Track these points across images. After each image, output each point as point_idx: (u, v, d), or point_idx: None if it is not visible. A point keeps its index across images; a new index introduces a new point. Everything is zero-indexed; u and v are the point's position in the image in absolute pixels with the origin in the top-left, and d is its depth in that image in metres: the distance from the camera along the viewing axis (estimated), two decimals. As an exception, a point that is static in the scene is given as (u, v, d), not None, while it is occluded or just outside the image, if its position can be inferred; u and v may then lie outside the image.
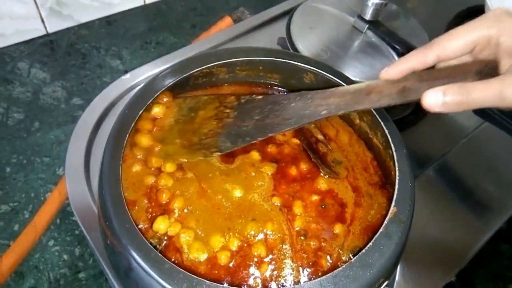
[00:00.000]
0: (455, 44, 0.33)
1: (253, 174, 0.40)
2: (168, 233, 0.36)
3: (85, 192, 0.47)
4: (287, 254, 0.36)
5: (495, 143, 0.60)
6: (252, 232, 0.37)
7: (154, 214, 0.37)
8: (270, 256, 0.36)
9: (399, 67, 0.35)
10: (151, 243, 0.32)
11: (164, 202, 0.38)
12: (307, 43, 0.60)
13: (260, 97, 0.42)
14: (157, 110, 0.43)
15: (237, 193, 0.39)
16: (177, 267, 0.31)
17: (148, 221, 0.36)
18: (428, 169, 0.55)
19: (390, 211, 0.35)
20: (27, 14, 0.66)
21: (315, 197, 0.40)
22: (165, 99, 0.44)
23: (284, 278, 0.35)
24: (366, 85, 0.37)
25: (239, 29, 0.67)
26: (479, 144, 0.59)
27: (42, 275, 0.48)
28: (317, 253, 0.36)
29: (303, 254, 0.36)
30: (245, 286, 0.34)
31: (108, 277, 0.42)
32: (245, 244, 0.36)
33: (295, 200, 0.39)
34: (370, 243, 0.33)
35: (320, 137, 0.45)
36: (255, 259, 0.36)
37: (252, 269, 0.35)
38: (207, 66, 0.44)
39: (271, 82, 0.49)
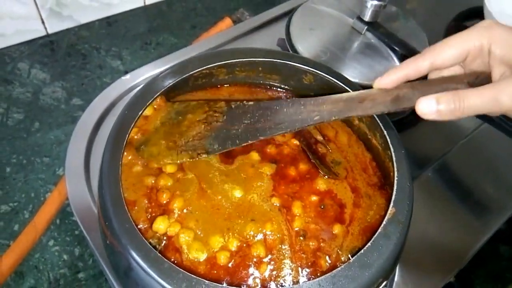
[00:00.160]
0: (448, 53, 0.34)
1: (253, 174, 0.40)
2: (168, 233, 0.36)
3: (85, 192, 0.47)
4: (286, 255, 0.36)
5: (494, 144, 0.60)
6: (252, 233, 0.37)
7: (153, 214, 0.37)
8: (269, 256, 0.36)
9: (393, 76, 0.35)
10: (150, 243, 0.33)
11: (164, 202, 0.38)
12: (307, 44, 0.60)
13: (251, 103, 0.41)
14: (146, 112, 0.42)
15: (237, 193, 0.39)
16: (176, 267, 0.31)
17: (148, 221, 0.37)
18: (427, 170, 0.55)
19: (389, 211, 0.35)
20: (27, 14, 0.66)
21: (314, 198, 0.40)
22: (157, 100, 0.43)
23: (283, 278, 0.35)
24: (359, 93, 0.38)
25: (239, 30, 0.67)
26: (478, 145, 0.59)
27: (42, 275, 0.48)
28: (316, 254, 0.36)
29: (302, 255, 0.36)
30: (244, 286, 0.34)
31: (107, 277, 0.42)
32: (245, 245, 0.36)
33: (294, 200, 0.39)
34: (369, 244, 0.33)
35: (319, 138, 0.45)
36: (254, 259, 0.36)
37: (251, 269, 0.35)
38: (207, 67, 0.44)
39: (271, 83, 0.49)
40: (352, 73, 0.57)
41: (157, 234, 0.36)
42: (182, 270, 0.31)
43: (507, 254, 0.69)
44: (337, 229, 0.38)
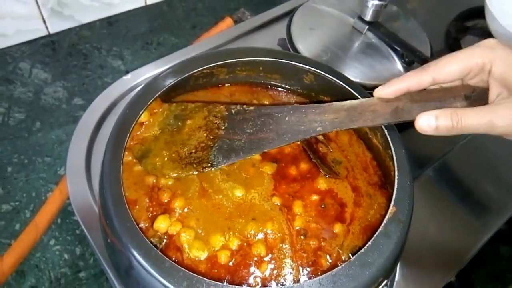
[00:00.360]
0: (451, 69, 0.34)
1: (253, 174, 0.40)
2: (169, 232, 0.36)
3: (86, 191, 0.47)
4: (287, 254, 0.36)
5: (494, 145, 0.60)
6: (252, 232, 0.37)
7: (154, 213, 0.37)
8: (270, 256, 0.36)
9: (394, 87, 0.36)
10: (151, 242, 0.33)
11: (165, 202, 0.38)
12: (308, 44, 0.60)
13: (251, 108, 0.41)
14: (142, 116, 0.41)
15: (238, 192, 0.39)
16: (177, 265, 0.31)
17: (149, 220, 0.37)
18: (428, 170, 0.55)
19: (389, 210, 0.35)
20: (29, 14, 0.66)
21: (315, 197, 0.40)
22: (153, 104, 0.41)
23: (283, 277, 0.35)
24: (360, 102, 0.38)
25: (239, 30, 0.67)
26: (479, 145, 0.59)
27: (43, 274, 0.48)
28: (316, 253, 0.37)
29: (303, 254, 0.36)
30: (245, 285, 0.34)
31: (108, 276, 0.42)
32: (245, 244, 0.36)
33: (295, 200, 0.39)
34: (369, 243, 0.33)
35: (320, 137, 0.45)
36: (255, 258, 0.36)
37: (252, 268, 0.35)
38: (208, 66, 0.44)
39: (271, 82, 0.49)
40: (353, 73, 0.57)
41: (158, 233, 0.36)
42: (183, 269, 0.31)
43: (508, 254, 0.69)
44: (337, 228, 0.38)
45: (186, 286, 0.30)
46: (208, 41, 0.65)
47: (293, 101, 0.49)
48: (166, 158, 0.40)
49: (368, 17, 0.61)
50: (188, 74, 0.43)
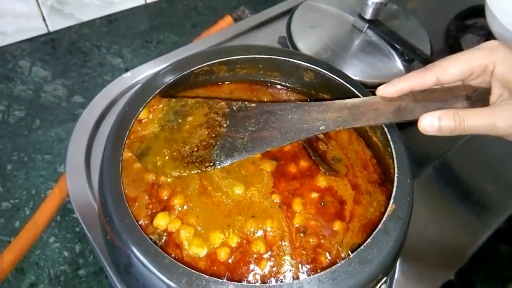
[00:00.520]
0: (455, 69, 0.34)
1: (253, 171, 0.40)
2: (168, 229, 0.36)
3: (85, 189, 0.47)
4: (287, 251, 0.36)
5: (494, 143, 0.60)
6: (252, 229, 0.37)
7: (154, 210, 0.37)
8: (269, 253, 0.36)
9: (397, 86, 0.36)
10: (151, 239, 0.33)
11: (164, 199, 0.38)
12: (308, 42, 0.60)
13: (253, 105, 0.41)
14: (141, 114, 0.40)
15: (237, 190, 0.39)
16: (177, 262, 0.31)
17: (149, 217, 0.37)
18: (428, 168, 0.55)
19: (389, 208, 0.35)
20: (29, 12, 0.66)
21: (314, 195, 0.40)
22: (152, 101, 0.41)
23: (283, 274, 0.35)
24: (362, 101, 0.38)
25: (239, 28, 0.67)
26: (479, 144, 0.59)
27: (43, 272, 0.48)
28: (316, 250, 0.37)
29: (302, 251, 0.36)
30: (245, 282, 0.34)
31: (108, 274, 0.42)
32: (245, 241, 0.36)
33: (295, 197, 0.39)
34: (369, 240, 0.33)
35: (320, 135, 0.45)
36: (255, 256, 0.36)
37: (252, 265, 0.35)
38: (207, 64, 0.44)
39: (271, 80, 0.49)
40: (353, 71, 0.57)
41: (158, 230, 0.36)
42: (183, 266, 0.31)
43: (507, 253, 0.69)
44: (337, 225, 0.38)
45: (185, 283, 0.30)
46: (208, 39, 0.65)
47: (293, 99, 0.48)
48: (167, 157, 0.39)
49: (368, 15, 0.61)
50: (188, 71, 0.43)
